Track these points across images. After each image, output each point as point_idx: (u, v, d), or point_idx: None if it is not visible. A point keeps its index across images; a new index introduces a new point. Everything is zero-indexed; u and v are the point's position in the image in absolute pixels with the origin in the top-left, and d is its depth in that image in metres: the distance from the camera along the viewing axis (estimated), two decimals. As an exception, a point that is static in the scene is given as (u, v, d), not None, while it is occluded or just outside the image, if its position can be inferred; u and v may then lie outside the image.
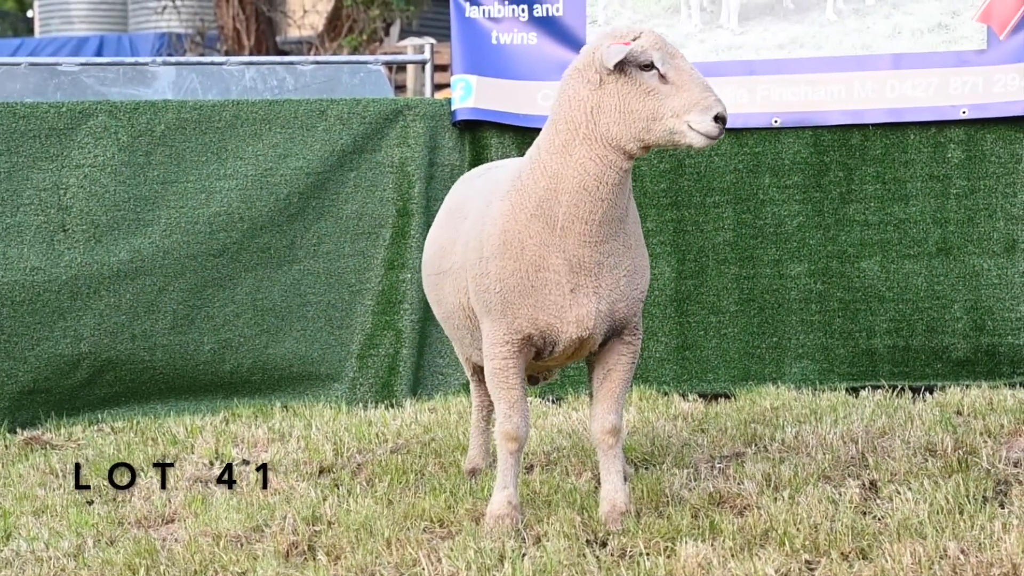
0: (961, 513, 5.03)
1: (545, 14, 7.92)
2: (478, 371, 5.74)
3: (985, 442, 6.04)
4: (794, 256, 7.66)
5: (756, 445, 6.27)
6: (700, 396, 7.49)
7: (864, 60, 7.55)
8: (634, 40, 4.80)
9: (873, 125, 7.57)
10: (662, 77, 4.75)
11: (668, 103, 4.72)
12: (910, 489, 5.34)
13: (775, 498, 5.33)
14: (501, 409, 5.14)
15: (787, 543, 4.78)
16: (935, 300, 7.54)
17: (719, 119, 4.69)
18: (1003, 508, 5.11)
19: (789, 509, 5.16)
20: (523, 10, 7.93)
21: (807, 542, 4.79)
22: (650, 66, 4.75)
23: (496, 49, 7.97)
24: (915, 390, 7.34)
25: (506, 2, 7.95)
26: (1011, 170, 7.42)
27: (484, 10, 7.96)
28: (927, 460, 5.82)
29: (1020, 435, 6.21)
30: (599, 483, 5.34)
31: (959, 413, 6.75)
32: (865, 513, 5.17)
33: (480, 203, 5.21)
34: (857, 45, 7.57)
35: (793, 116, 7.62)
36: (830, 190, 7.63)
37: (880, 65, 7.54)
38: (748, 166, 7.67)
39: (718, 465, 5.96)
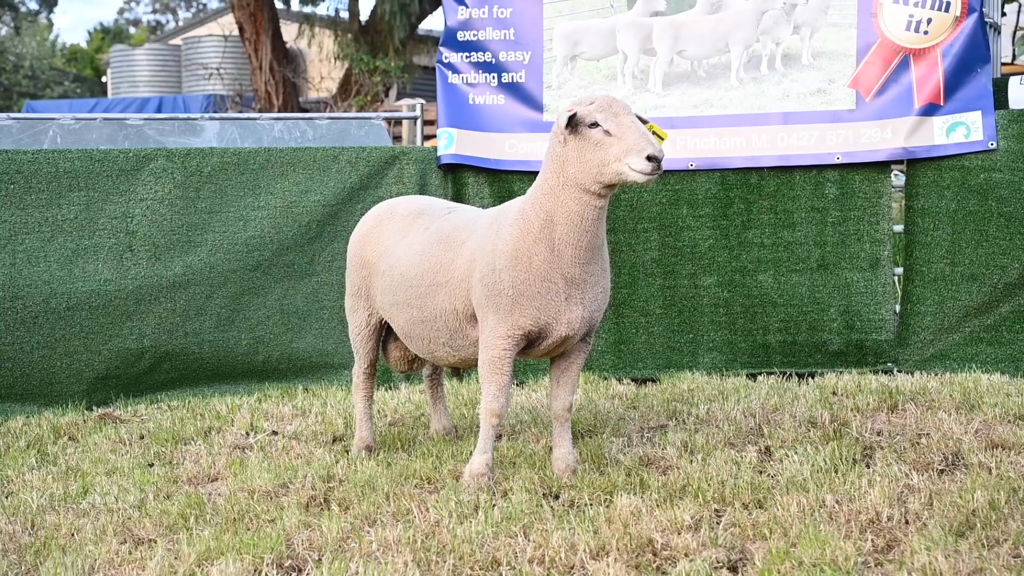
0: (836, 472, 5.05)
1: (511, 80, 7.92)
2: (432, 367, 6.07)
3: (855, 416, 6.06)
4: (706, 270, 7.67)
5: (676, 419, 6.27)
6: (632, 380, 7.49)
7: (760, 117, 7.57)
8: (590, 105, 4.90)
9: (767, 168, 7.58)
10: (606, 132, 4.83)
11: (611, 151, 4.81)
12: (796, 453, 5.36)
13: (691, 460, 5.34)
14: (490, 391, 5.14)
15: (700, 496, 4.79)
16: (816, 305, 7.55)
17: (651, 159, 4.73)
18: (868, 468, 5.13)
19: (702, 469, 5.17)
20: (494, 77, 7.94)
21: (716, 495, 4.80)
22: (596, 124, 4.84)
23: (473, 108, 7.97)
24: (800, 375, 7.35)
25: (480, 71, 7.95)
26: (875, 203, 7.45)
27: (463, 77, 7.97)
28: (809, 430, 5.83)
29: (882, 411, 6.23)
30: (552, 448, 5.34)
31: (835, 393, 6.77)
32: (761, 472, 5.18)
33: (481, 232, 5.25)
34: (754, 106, 7.59)
35: (705, 160, 7.63)
36: (734, 218, 7.64)
37: (772, 121, 7.55)
38: (670, 199, 7.67)
39: (646, 435, 5.96)
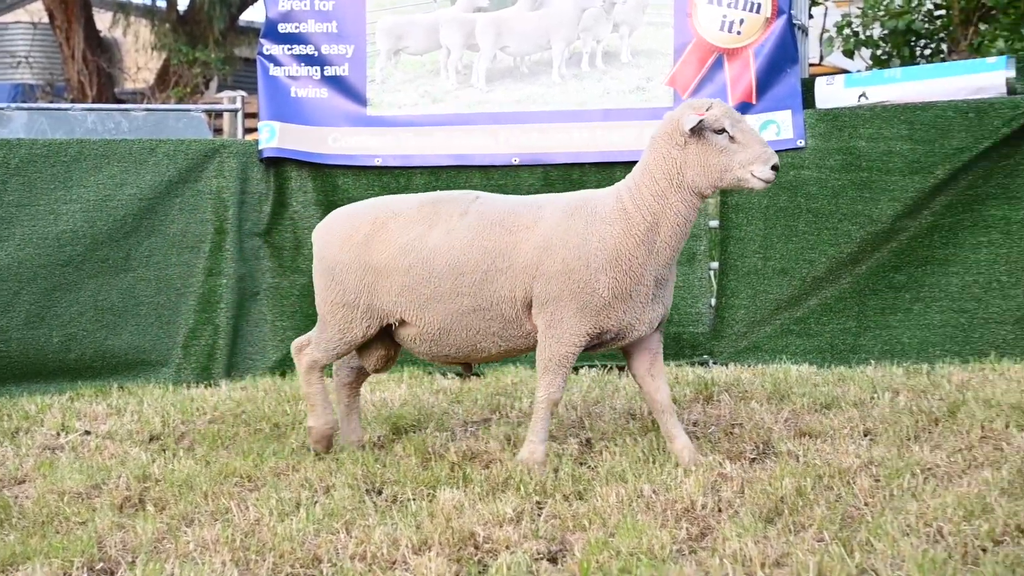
0: (654, 462, 5.16)
1: (334, 74, 7.87)
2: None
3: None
4: (529, 265, 7.74)
5: (500, 413, 6.32)
6: (456, 375, 7.52)
7: (581, 114, 7.70)
8: (707, 110, 5.00)
9: (589, 164, 7.70)
10: (731, 138, 4.97)
11: (736, 158, 4.97)
12: (616, 445, 5.46)
13: (514, 453, 5.39)
14: (555, 382, 5.16)
15: (522, 488, 4.84)
16: (636, 299, 7.69)
17: (775, 168, 4.96)
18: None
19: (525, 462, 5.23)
20: (316, 70, 7.87)
21: (538, 487, 4.85)
22: (722, 130, 4.97)
23: (295, 101, 7.89)
24: (620, 368, 7.48)
25: (302, 64, 7.87)
26: (692, 199, 7.62)
27: (285, 70, 7.88)
28: (629, 422, 5.95)
29: (697, 402, 6.40)
30: (671, 441, 5.26)
31: (654, 385, 6.90)
32: (582, 463, 5.26)
33: (554, 220, 5.15)
34: (576, 102, 7.70)
35: (528, 156, 7.71)
36: (556, 214, 7.73)
37: (594, 118, 7.69)
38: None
39: (470, 429, 6.00)
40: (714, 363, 7.58)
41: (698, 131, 5.00)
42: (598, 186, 7.53)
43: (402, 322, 5.37)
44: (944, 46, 11.35)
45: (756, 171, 4.96)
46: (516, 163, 7.71)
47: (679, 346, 7.65)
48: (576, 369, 7.50)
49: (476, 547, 4.24)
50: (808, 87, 7.64)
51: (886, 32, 11.12)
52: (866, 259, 7.40)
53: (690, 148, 5.03)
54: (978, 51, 10.26)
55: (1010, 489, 4.51)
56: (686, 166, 5.03)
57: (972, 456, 5.04)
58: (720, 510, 4.53)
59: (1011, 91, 7.18)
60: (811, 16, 10.57)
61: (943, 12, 11.25)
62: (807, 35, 8.47)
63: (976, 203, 7.22)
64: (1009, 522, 4.11)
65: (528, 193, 7.68)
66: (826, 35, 12.70)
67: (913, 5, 11.08)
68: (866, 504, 4.47)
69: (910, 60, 11.15)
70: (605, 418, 6.03)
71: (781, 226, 7.53)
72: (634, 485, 4.80)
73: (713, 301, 7.72)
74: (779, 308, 7.55)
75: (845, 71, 11.66)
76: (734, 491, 4.71)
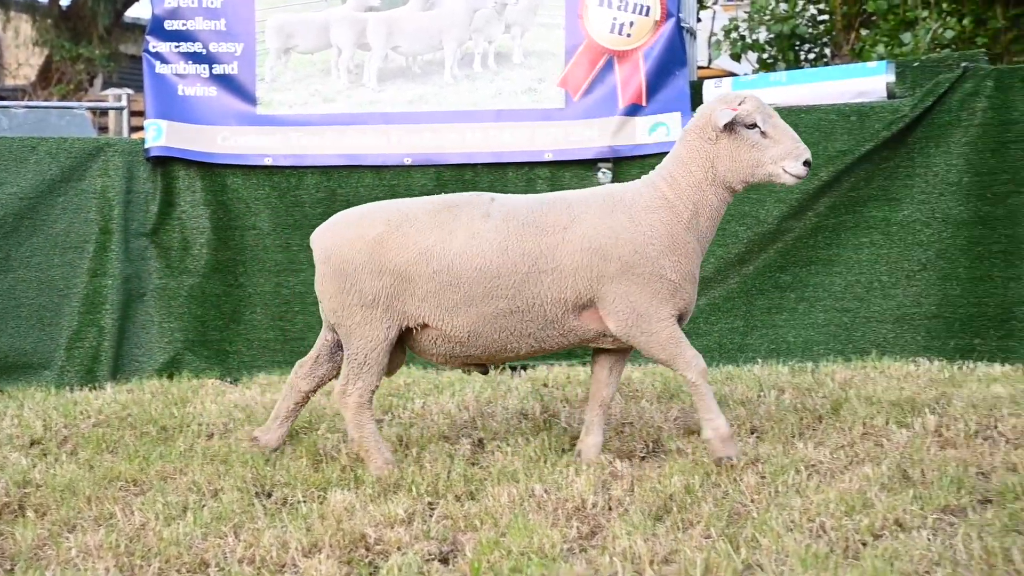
0: (546, 462, 5.18)
1: (223, 72, 7.77)
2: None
3: (564, 407, 6.25)
4: (421, 266, 7.72)
5: (392, 413, 6.30)
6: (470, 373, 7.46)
7: (474, 114, 7.70)
8: (740, 105, 5.03)
9: (481, 164, 7.71)
10: (763, 133, 5.01)
11: (768, 153, 5.02)
12: (508, 445, 5.48)
13: (405, 454, 5.38)
14: (688, 355, 5.12)
15: (414, 489, 4.82)
16: (528, 299, 7.71)
17: (807, 163, 5.00)
18: (576, 457, 5.29)
19: (416, 463, 5.22)
20: (205, 69, 7.76)
21: (430, 488, 4.84)
22: (754, 125, 5.01)
23: (183, 99, 7.77)
24: (513, 368, 7.51)
25: (190, 61, 7.76)
26: (584, 200, 7.68)
27: (172, 67, 7.76)
28: (521, 422, 5.97)
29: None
30: (587, 436, 5.30)
31: (546, 385, 6.95)
32: (474, 464, 5.26)
33: (592, 218, 5.08)
34: (469, 102, 7.71)
35: (421, 156, 7.70)
36: (448, 214, 7.72)
37: (486, 118, 7.69)
38: (386, 195, 7.67)
39: (361, 430, 5.96)
40: (605, 362, 7.62)
41: (730, 126, 5.03)
42: (491, 187, 7.60)
43: (424, 325, 5.19)
44: (827, 51, 11.61)
45: (788, 167, 5.02)
46: (408, 163, 7.68)
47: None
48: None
49: (367, 549, 4.21)
50: (697, 90, 7.74)
51: (772, 36, 11.32)
52: (753, 259, 7.53)
53: (721, 143, 5.07)
54: (860, 56, 10.50)
55: (889, 484, 4.62)
56: (718, 160, 5.08)
57: (854, 452, 5.16)
58: (610, 508, 4.56)
59: (891, 95, 7.35)
60: (699, 20, 10.71)
61: (826, 17, 11.49)
62: (695, 38, 8.58)
63: (858, 204, 7.38)
64: (888, 516, 4.22)
65: (420, 194, 7.66)
66: (714, 38, 12.88)
67: (797, 10, 11.30)
68: (752, 501, 4.55)
69: (795, 64, 11.37)
70: (497, 418, 6.04)
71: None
72: (526, 485, 4.81)
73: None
74: (669, 308, 7.62)
75: (733, 74, 11.84)
76: (624, 489, 4.75)
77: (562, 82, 7.64)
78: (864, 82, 7.43)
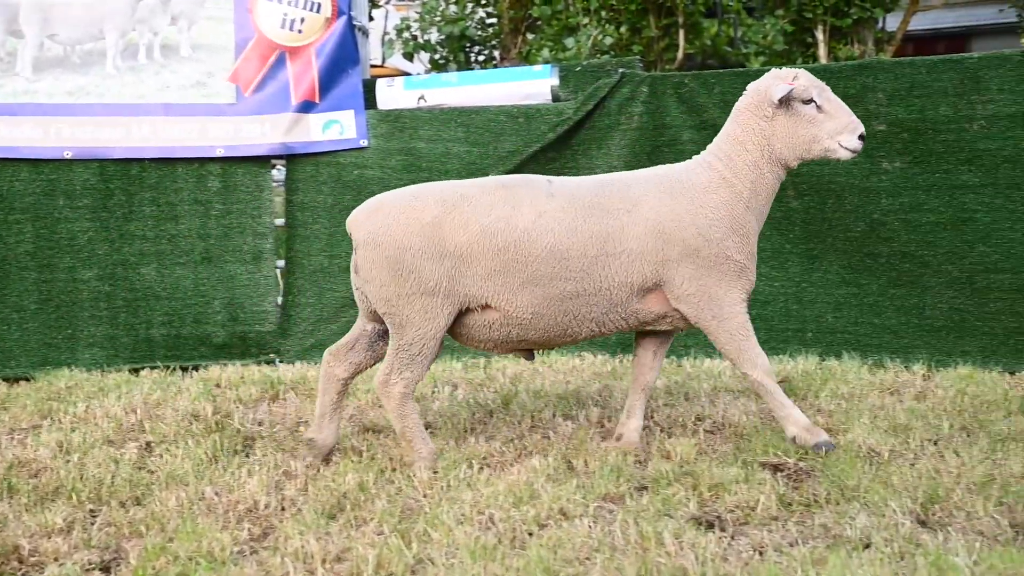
0: (217, 463, 5.07)
1: None
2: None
3: (237, 407, 6.12)
4: (85, 264, 7.39)
5: (52, 418, 5.99)
6: (3, 380, 7.04)
7: (140, 107, 7.41)
8: (794, 79, 4.98)
9: (149, 160, 7.44)
10: (818, 108, 4.96)
11: (824, 127, 4.97)
12: (178, 447, 5.31)
13: (67, 460, 5.12)
14: (753, 352, 5.01)
15: (75, 496, 4.61)
16: (200, 298, 7.53)
17: (862, 137, 4.96)
18: (248, 458, 5.19)
19: (78, 469, 4.97)
20: None
21: (92, 494, 4.64)
22: (810, 100, 4.95)
23: None
24: (184, 369, 7.31)
25: None
26: (257, 197, 7.56)
27: None
28: (192, 423, 5.80)
29: (264, 401, 6.35)
30: (630, 419, 5.28)
31: (219, 386, 6.79)
32: (141, 468, 5.07)
33: (653, 200, 4.98)
34: (134, 95, 7.42)
35: (83, 150, 7.34)
36: (115, 210, 7.43)
37: (154, 112, 7.43)
38: (45, 190, 7.32)
39: (17, 436, 5.64)
40: (280, 362, 7.54)
41: (785, 102, 4.98)
42: (160, 182, 7.35)
43: (485, 306, 4.95)
44: (497, 53, 11.88)
45: (844, 141, 4.98)
46: (68, 157, 7.31)
47: (245, 345, 7.55)
48: (137, 371, 7.24)
49: (20, 561, 3.98)
50: (370, 88, 7.76)
51: (443, 37, 11.47)
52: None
53: (778, 119, 5.02)
54: (527, 59, 10.80)
55: (555, 475, 4.78)
56: (774, 137, 5.03)
57: (523, 445, 5.30)
58: (283, 508, 4.50)
59: (556, 98, 7.61)
60: (372, 18, 10.74)
61: (495, 21, 11.75)
62: (368, 36, 8.60)
63: (527, 203, 7.57)
64: (553, 506, 4.36)
65: (83, 189, 7.35)
66: (387, 37, 12.94)
67: (467, 12, 11.50)
68: (425, 496, 4.59)
69: (466, 65, 11.57)
70: (167, 420, 5.85)
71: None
72: (196, 488, 4.68)
73: (280, 300, 7.67)
74: (345, 306, 7.61)
75: (406, 73, 11.95)
76: (298, 489, 4.70)
77: (233, 77, 7.48)
78: (530, 85, 7.65)
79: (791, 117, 5.02)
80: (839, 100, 5.08)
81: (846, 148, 5.00)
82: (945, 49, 16.30)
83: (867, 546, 3.91)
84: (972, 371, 6.53)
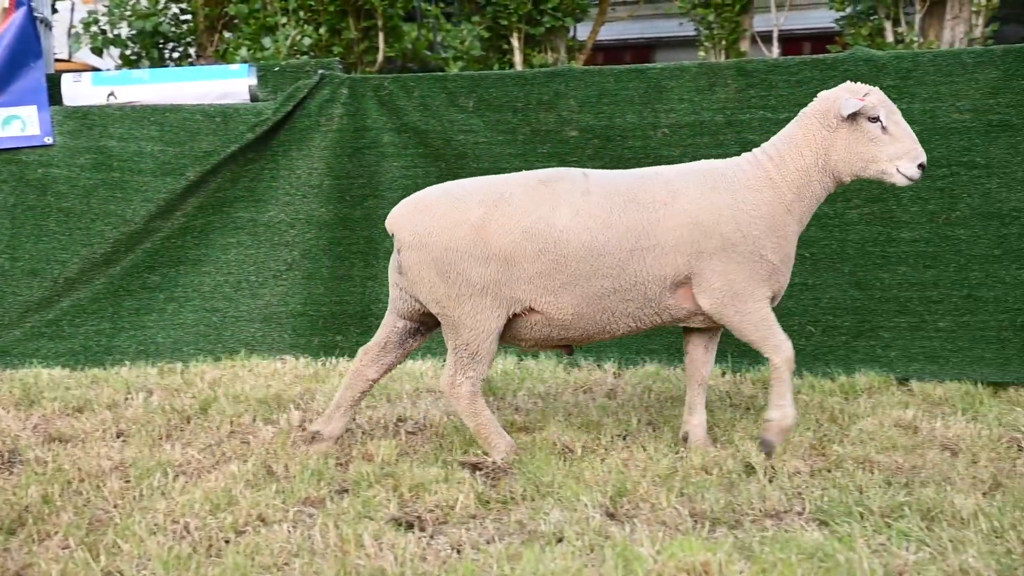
0: None
1: None
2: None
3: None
4: None
5: None
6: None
7: None
8: (865, 96, 4.90)
9: None
10: (883, 128, 4.88)
11: (886, 150, 4.90)
12: None
13: None
14: (778, 339, 4.96)
15: None
16: None
17: (921, 167, 4.88)
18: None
19: None
20: None
21: None
22: (876, 119, 4.88)
23: None
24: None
25: None
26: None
27: None
28: None
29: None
30: (693, 415, 5.22)
31: None
32: None
33: (691, 193, 4.93)
34: None
35: None
36: None
37: None
38: None
39: None
40: (-44, 371, 7.08)
41: (853, 116, 4.89)
42: None
43: (530, 310, 4.93)
44: (192, 51, 11.55)
45: (903, 167, 4.91)
46: None
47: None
48: None
49: None
50: (55, 83, 7.40)
51: (134, 32, 11.07)
52: (120, 259, 7.32)
53: (840, 132, 4.95)
54: (224, 58, 10.56)
55: (254, 481, 4.70)
56: (832, 149, 4.96)
57: (221, 451, 5.18)
58: (-42, 527, 4.22)
59: (254, 98, 7.47)
60: (56, 11, 10.26)
61: (189, 17, 11.43)
62: (52, 29, 8.20)
63: (225, 205, 7.41)
64: (252, 512, 4.28)
65: None
66: (74, 31, 12.38)
67: (159, 8, 11.15)
68: (115, 506, 4.41)
69: (160, 62, 11.20)
70: None
71: (31, 225, 7.24)
72: None
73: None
74: (29, 310, 7.25)
75: (96, 69, 11.47)
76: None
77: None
78: (227, 84, 7.48)
79: (854, 132, 5.00)
80: (906, 125, 5.06)
81: (903, 174, 4.96)
82: (632, 59, 17.02)
83: (560, 540, 4.03)
84: (658, 368, 6.84)
